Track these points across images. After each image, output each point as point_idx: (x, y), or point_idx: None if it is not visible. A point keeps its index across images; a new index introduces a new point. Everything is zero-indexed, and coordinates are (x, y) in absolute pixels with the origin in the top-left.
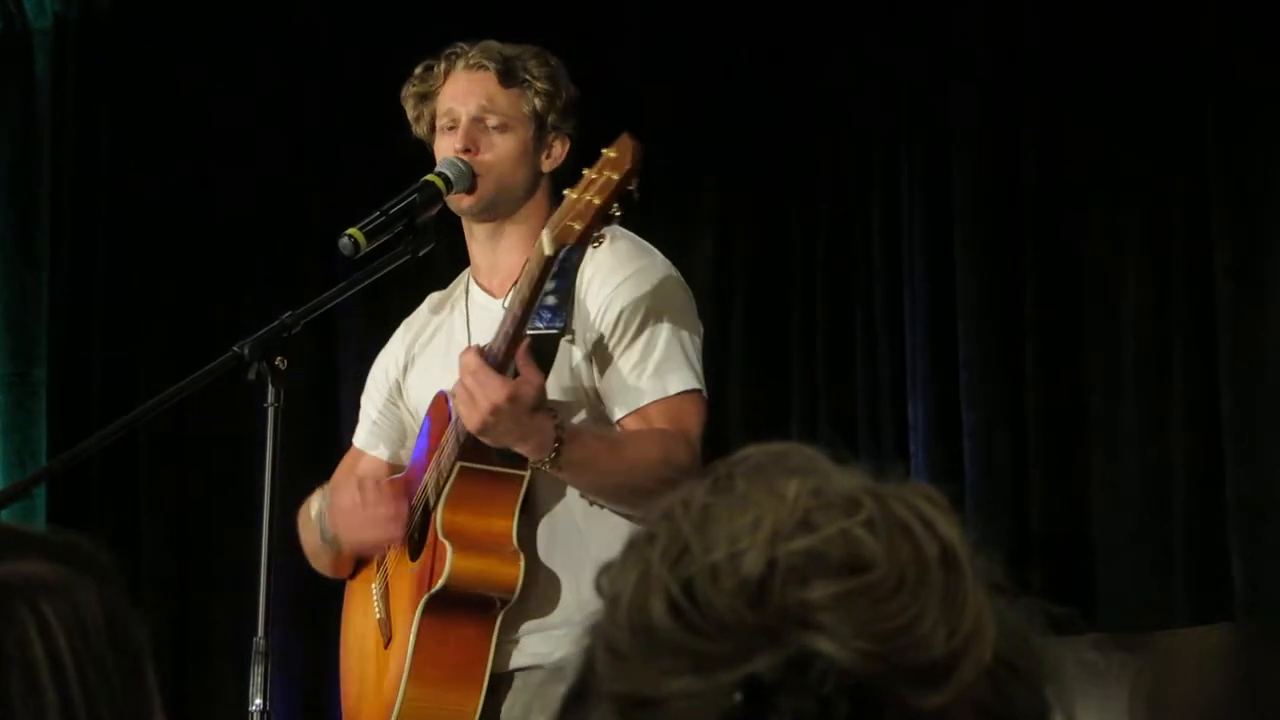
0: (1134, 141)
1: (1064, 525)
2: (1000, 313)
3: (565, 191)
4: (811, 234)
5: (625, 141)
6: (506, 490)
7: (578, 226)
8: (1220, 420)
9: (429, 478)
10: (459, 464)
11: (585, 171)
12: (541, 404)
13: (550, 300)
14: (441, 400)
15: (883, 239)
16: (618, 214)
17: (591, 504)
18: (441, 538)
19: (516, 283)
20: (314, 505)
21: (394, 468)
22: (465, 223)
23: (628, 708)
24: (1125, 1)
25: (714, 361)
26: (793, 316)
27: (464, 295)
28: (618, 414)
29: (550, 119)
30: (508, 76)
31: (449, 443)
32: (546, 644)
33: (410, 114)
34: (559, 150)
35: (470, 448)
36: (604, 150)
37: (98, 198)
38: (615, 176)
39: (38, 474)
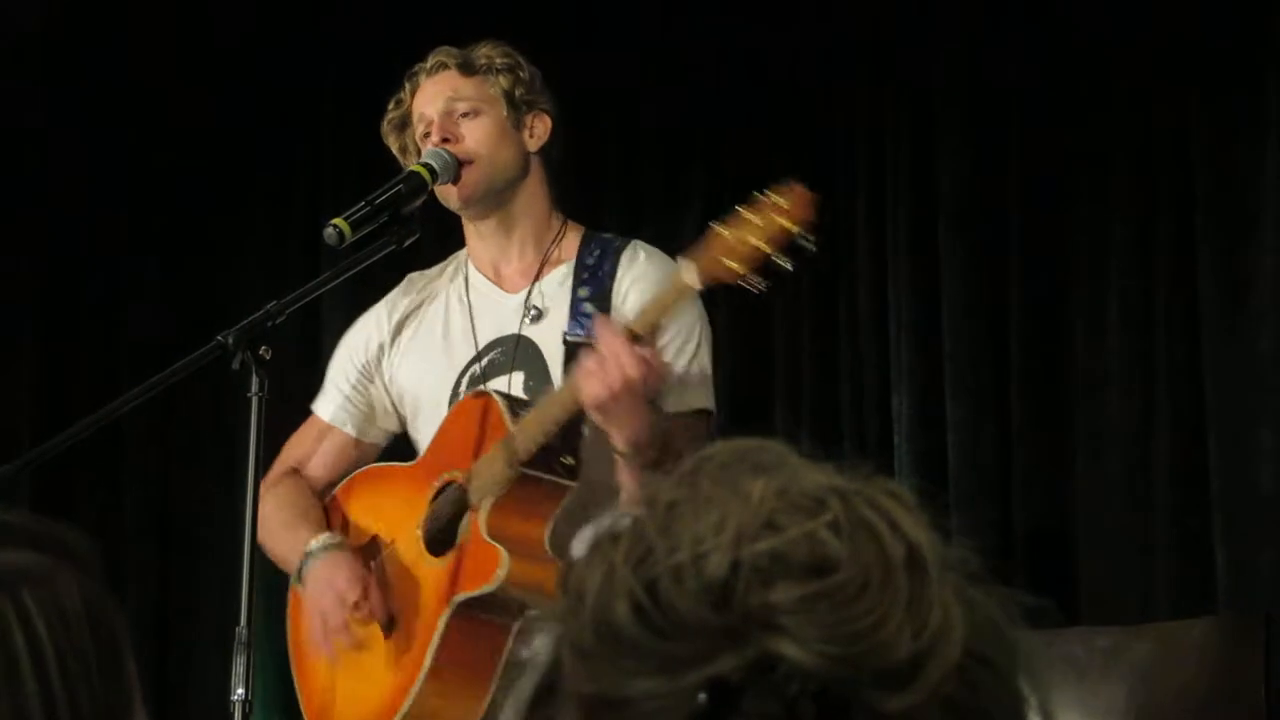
0: (1120, 139)
1: (1048, 518)
2: (985, 306)
3: (714, 225)
4: None
5: (800, 192)
6: (551, 499)
7: (736, 267)
8: (1204, 415)
9: (460, 477)
10: (522, 470)
11: (740, 209)
12: (657, 398)
13: (586, 309)
14: (474, 402)
15: (867, 232)
16: (787, 268)
17: (603, 498)
18: (490, 539)
19: (535, 280)
20: (310, 544)
21: (359, 445)
22: (468, 222)
23: (593, 708)
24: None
25: None
26: (777, 308)
27: (464, 283)
28: None
29: (519, 93)
30: (467, 67)
31: (502, 448)
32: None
33: (394, 148)
34: (541, 127)
35: (537, 457)
36: (769, 191)
37: (85, 187)
38: (788, 226)
39: (20, 462)
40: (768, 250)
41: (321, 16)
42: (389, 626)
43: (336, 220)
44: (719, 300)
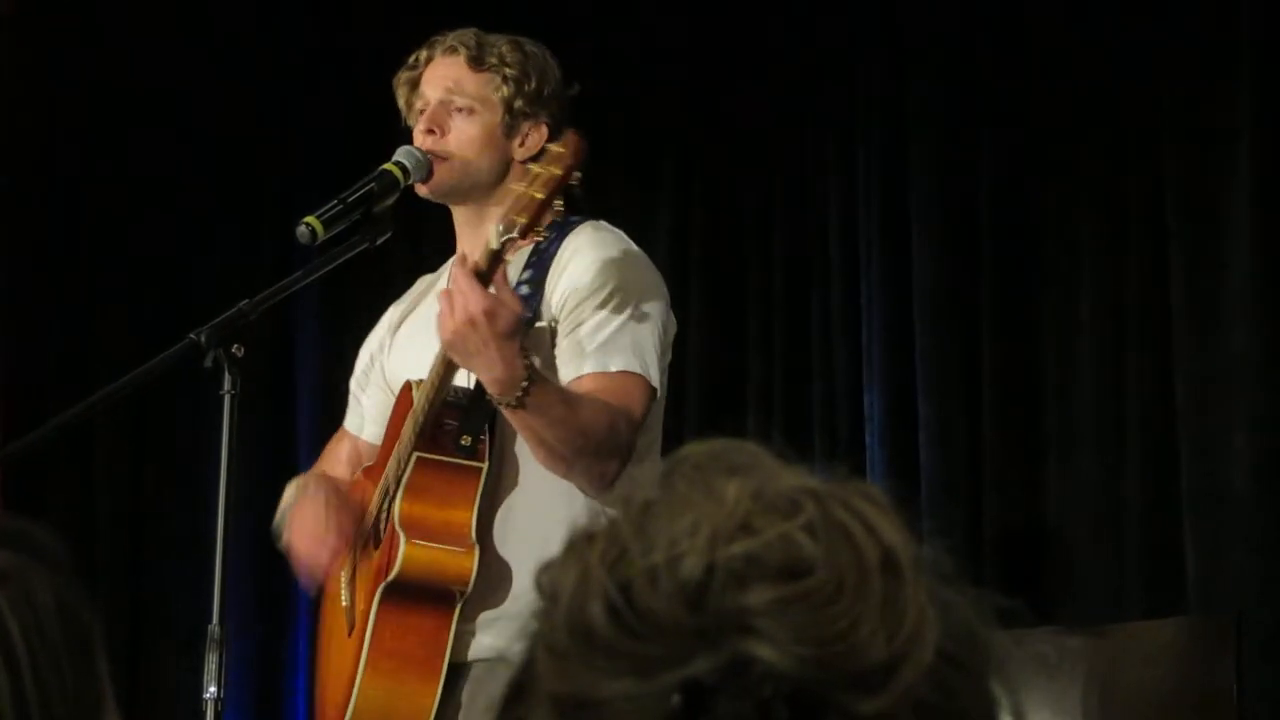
0: (1091, 138)
1: (1018, 518)
2: (957, 305)
3: (510, 185)
4: (768, 226)
5: (570, 137)
6: (465, 482)
7: (521, 220)
8: (1175, 416)
9: (390, 467)
10: (416, 454)
11: (530, 166)
12: (517, 334)
13: (523, 290)
14: (406, 389)
15: (840, 231)
16: (559, 206)
17: (544, 494)
18: (397, 528)
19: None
20: (284, 497)
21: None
22: (452, 209)
23: (567, 708)
24: (1083, 1)
25: (672, 353)
26: (749, 308)
27: (448, 279)
28: (561, 381)
29: (518, 105)
30: (478, 61)
31: (408, 431)
32: (501, 635)
33: (401, 102)
34: (534, 139)
35: (428, 437)
36: (548, 145)
37: (53, 186)
38: (557, 171)
39: None
40: (544, 198)
41: (304, 15)
42: (352, 623)
43: (309, 218)
44: (691, 302)
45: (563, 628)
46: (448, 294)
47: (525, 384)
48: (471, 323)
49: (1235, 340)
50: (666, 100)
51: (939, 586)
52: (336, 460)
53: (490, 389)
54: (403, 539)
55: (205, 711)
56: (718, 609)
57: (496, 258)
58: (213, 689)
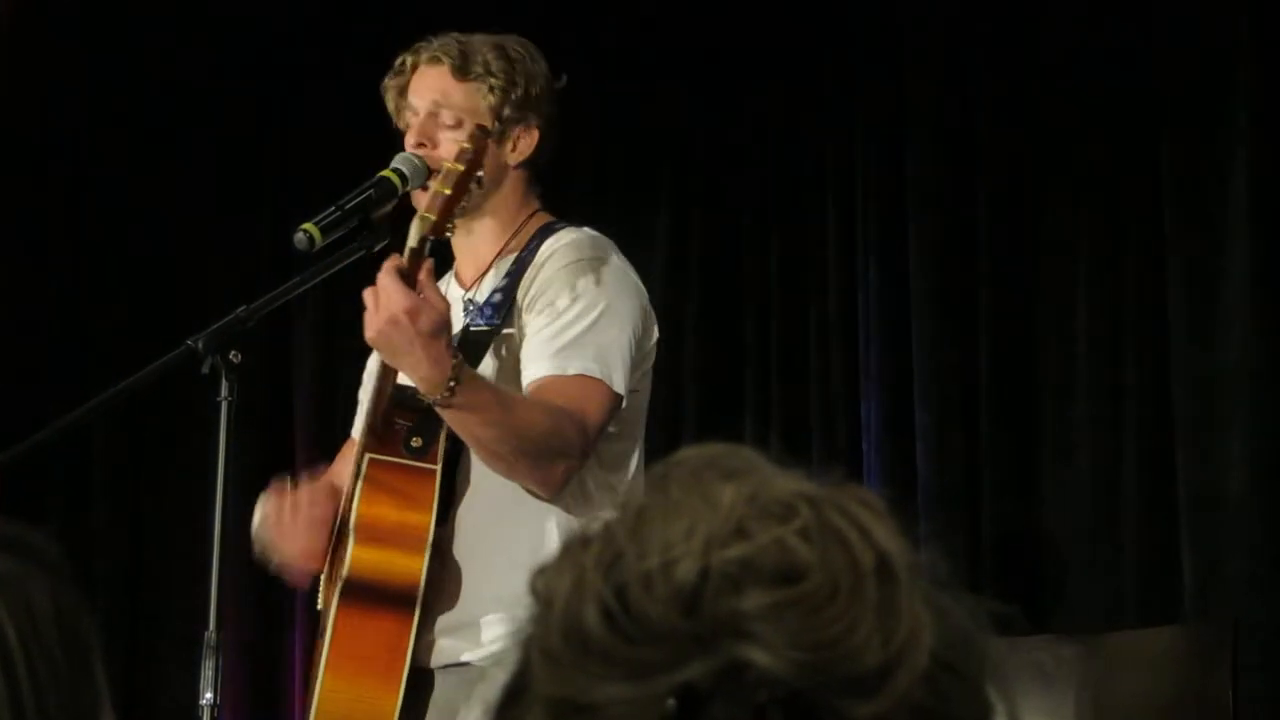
0: (1088, 141)
1: (1015, 525)
2: (953, 312)
3: (428, 182)
4: (765, 233)
5: (475, 134)
6: (422, 484)
7: (431, 216)
8: (1172, 421)
9: (352, 468)
10: (368, 456)
11: (443, 163)
12: (442, 333)
13: (496, 298)
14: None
15: (837, 238)
16: (545, 216)
17: (509, 501)
18: (351, 529)
19: (483, 274)
20: (255, 514)
21: None
22: None
23: (562, 712)
24: (1080, 3)
25: (667, 359)
26: (746, 314)
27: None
28: (522, 383)
29: (506, 113)
30: (463, 70)
31: (363, 432)
32: (463, 642)
33: (390, 107)
34: (526, 142)
35: (379, 437)
36: (461, 143)
37: (50, 189)
38: (460, 168)
39: None
40: (449, 193)
41: (304, 15)
42: (324, 624)
43: (306, 225)
44: (688, 309)
45: (557, 632)
46: (372, 292)
47: (452, 383)
48: (394, 322)
49: (1233, 345)
50: (666, 100)
51: (934, 592)
52: (344, 468)
53: (419, 387)
54: (351, 540)
55: (202, 717)
56: (712, 613)
57: (417, 255)
58: (209, 695)
